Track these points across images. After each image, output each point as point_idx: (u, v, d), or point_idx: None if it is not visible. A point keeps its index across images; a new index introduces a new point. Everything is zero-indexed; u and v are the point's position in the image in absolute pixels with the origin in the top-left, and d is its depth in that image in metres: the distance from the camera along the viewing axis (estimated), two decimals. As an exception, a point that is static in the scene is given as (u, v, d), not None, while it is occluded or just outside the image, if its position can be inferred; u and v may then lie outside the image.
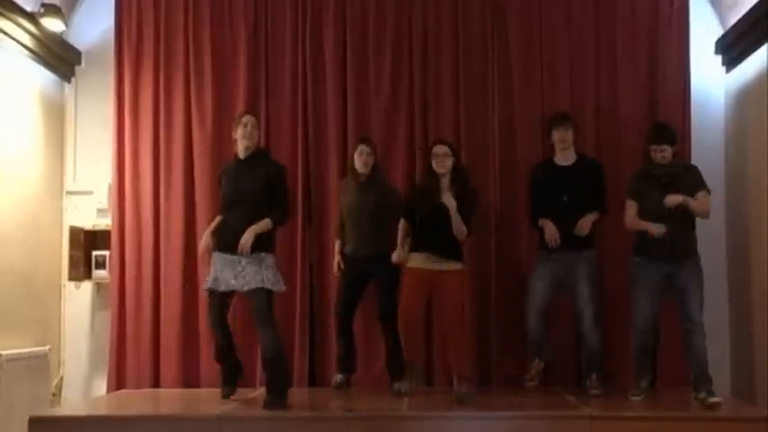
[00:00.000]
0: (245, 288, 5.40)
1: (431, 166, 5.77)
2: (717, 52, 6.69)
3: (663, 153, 5.57)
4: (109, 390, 6.53)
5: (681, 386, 6.08)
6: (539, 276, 5.92)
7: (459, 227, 5.59)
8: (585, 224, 5.79)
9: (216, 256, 5.56)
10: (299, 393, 6.18)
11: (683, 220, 5.57)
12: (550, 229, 5.78)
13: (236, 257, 5.40)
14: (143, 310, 6.62)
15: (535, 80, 6.63)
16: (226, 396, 5.71)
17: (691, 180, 5.62)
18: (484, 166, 6.59)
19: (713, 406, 5.28)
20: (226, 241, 5.47)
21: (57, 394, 6.69)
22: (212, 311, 5.61)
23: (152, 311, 6.61)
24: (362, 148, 6.09)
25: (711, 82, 6.71)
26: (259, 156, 5.63)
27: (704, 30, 6.68)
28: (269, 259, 5.48)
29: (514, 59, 6.64)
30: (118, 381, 6.55)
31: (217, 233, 5.58)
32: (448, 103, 6.64)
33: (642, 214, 5.62)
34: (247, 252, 5.34)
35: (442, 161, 5.74)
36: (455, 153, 5.83)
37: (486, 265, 6.51)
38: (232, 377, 5.79)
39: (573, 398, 5.67)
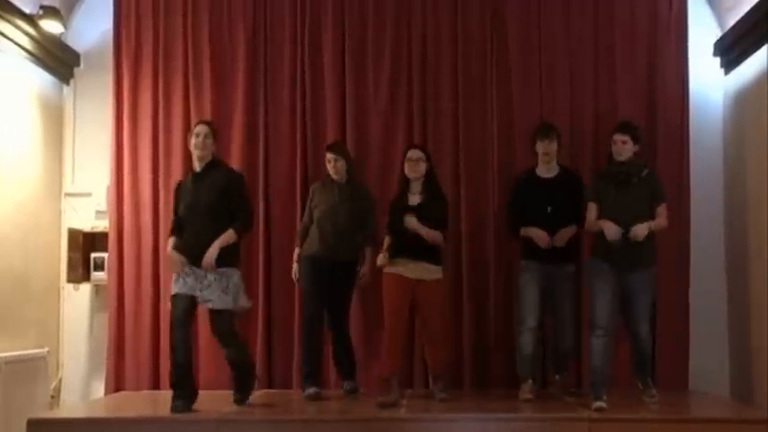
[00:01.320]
0: (210, 306, 5.35)
1: (403, 171, 5.81)
2: (715, 54, 6.70)
3: (624, 144, 5.45)
4: (107, 392, 6.53)
5: (678, 388, 6.09)
6: (528, 289, 5.80)
7: (431, 238, 5.64)
8: (564, 235, 5.73)
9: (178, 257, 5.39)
10: (297, 395, 6.18)
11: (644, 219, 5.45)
12: (538, 232, 5.72)
13: (201, 270, 5.33)
14: (141, 312, 6.62)
15: (534, 84, 6.63)
16: (175, 411, 5.26)
17: (650, 187, 5.50)
18: (482, 171, 6.59)
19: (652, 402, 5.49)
20: (190, 254, 5.34)
21: (55, 396, 6.69)
22: (177, 312, 5.30)
23: (150, 313, 6.60)
24: (329, 156, 6.02)
25: (710, 84, 6.72)
26: (213, 166, 5.50)
27: (703, 32, 6.69)
28: (235, 276, 5.43)
29: (513, 64, 6.64)
30: (116, 383, 6.55)
31: (180, 247, 5.42)
32: (447, 108, 6.64)
33: (601, 216, 5.49)
34: (213, 268, 5.29)
35: (415, 166, 5.76)
36: (428, 158, 5.84)
37: (485, 268, 6.51)
38: (188, 395, 5.38)
39: (571, 400, 5.66)
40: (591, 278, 5.52)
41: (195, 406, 5.36)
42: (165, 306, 6.55)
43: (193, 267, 5.33)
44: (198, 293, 5.33)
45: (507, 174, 6.54)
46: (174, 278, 5.41)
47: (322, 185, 6.12)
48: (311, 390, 5.81)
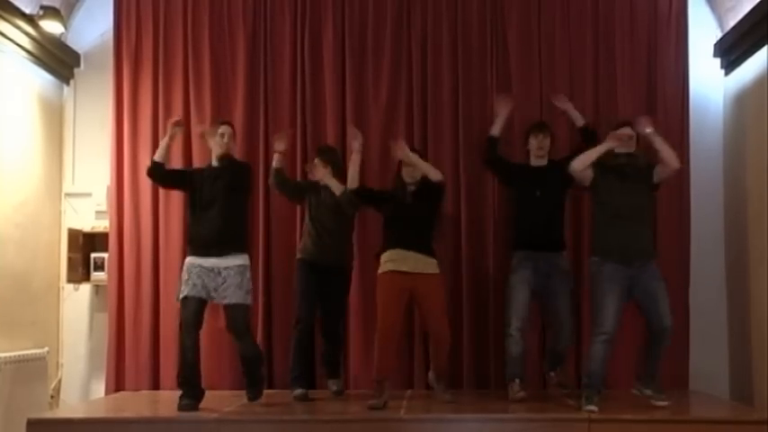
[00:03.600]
0: (226, 302, 5.47)
1: (400, 173, 5.72)
2: (715, 55, 6.69)
3: (630, 139, 5.39)
4: (107, 392, 6.53)
5: (678, 388, 6.08)
6: (518, 289, 5.72)
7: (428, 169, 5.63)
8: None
9: (192, 265, 5.48)
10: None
11: (645, 220, 5.44)
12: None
13: (215, 268, 5.44)
14: (141, 311, 6.62)
15: (534, 84, 6.63)
16: (184, 409, 5.35)
17: (647, 177, 5.43)
18: (482, 171, 6.55)
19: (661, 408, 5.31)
20: (204, 245, 5.47)
21: (55, 396, 6.69)
22: (188, 318, 5.41)
23: (150, 313, 6.61)
24: (316, 161, 6.05)
25: (710, 84, 6.72)
26: (231, 162, 5.70)
27: (703, 32, 6.69)
28: (248, 271, 5.56)
29: (513, 64, 6.64)
30: (116, 383, 6.55)
31: (192, 240, 5.58)
32: (447, 108, 6.63)
33: (600, 211, 5.42)
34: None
35: (413, 171, 5.67)
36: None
37: (484, 268, 6.51)
38: (195, 394, 5.48)
39: (571, 400, 5.66)
40: (595, 281, 5.37)
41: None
42: (165, 306, 6.59)
43: (205, 261, 5.44)
44: (211, 294, 5.46)
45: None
46: (184, 279, 5.50)
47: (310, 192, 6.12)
48: (298, 391, 5.83)
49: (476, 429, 5.13)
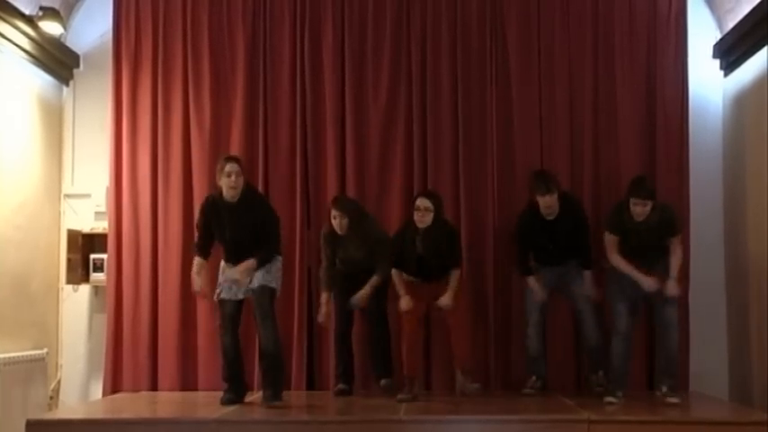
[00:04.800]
0: (252, 286, 5.53)
1: (412, 216, 5.87)
2: (715, 56, 6.70)
3: (644, 208, 5.50)
4: (104, 393, 6.53)
5: (678, 390, 6.07)
6: (534, 301, 6.07)
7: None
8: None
9: (226, 267, 5.66)
10: (297, 396, 6.18)
11: (659, 251, 5.67)
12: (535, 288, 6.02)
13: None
14: (140, 312, 6.61)
15: (534, 84, 6.63)
16: (226, 403, 5.57)
17: (666, 226, 5.62)
18: (482, 171, 6.58)
19: (671, 405, 5.48)
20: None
21: (54, 397, 6.68)
22: (224, 318, 5.64)
23: (149, 314, 6.60)
24: (333, 212, 5.99)
25: (709, 86, 6.72)
26: (248, 197, 5.60)
27: (702, 34, 6.69)
28: (278, 262, 5.65)
29: (513, 64, 6.64)
30: (114, 384, 6.55)
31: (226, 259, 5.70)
32: (446, 108, 6.63)
33: (622, 251, 5.66)
34: (245, 284, 5.55)
35: (423, 216, 5.80)
36: (437, 206, 5.86)
37: (484, 270, 6.51)
38: (237, 390, 5.69)
39: (571, 401, 5.66)
40: (610, 287, 5.82)
41: (193, 409, 5.48)
42: (164, 307, 6.59)
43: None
44: (247, 286, 5.55)
45: (506, 174, 6.57)
46: (220, 281, 5.69)
47: (331, 234, 6.08)
48: (337, 386, 6.14)
49: (476, 430, 5.14)
